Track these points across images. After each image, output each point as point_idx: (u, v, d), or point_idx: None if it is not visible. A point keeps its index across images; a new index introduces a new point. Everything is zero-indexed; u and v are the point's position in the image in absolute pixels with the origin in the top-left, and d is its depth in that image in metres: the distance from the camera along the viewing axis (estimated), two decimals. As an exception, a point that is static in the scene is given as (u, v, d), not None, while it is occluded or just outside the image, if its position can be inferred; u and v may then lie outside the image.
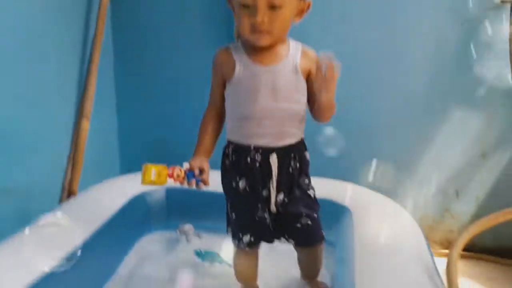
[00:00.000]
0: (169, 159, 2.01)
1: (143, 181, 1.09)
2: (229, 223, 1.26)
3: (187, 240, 1.69)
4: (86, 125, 1.78)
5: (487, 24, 1.71)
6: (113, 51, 2.09)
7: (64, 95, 1.77)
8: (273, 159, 1.15)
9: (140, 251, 1.65)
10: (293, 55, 1.13)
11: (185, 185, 1.12)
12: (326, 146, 1.34)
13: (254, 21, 1.03)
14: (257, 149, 1.15)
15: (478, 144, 1.84)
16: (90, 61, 1.83)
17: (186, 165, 1.13)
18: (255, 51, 1.12)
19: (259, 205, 1.18)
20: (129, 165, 2.19)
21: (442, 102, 1.83)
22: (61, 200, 1.73)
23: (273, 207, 1.20)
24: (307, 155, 1.22)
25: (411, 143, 1.90)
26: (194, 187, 1.12)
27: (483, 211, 1.85)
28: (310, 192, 1.24)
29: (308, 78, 1.14)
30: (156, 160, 2.00)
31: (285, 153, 1.16)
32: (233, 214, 1.22)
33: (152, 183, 1.08)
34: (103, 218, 1.46)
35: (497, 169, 1.84)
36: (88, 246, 1.29)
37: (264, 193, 1.18)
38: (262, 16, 1.02)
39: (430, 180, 1.91)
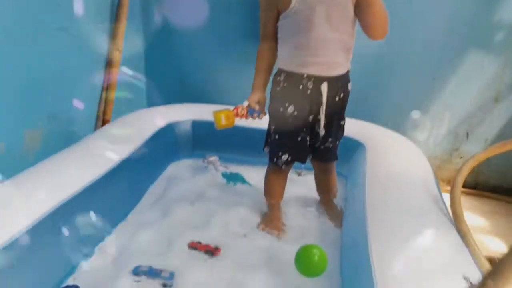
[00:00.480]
0: (193, 95, 2.13)
1: (217, 126, 1.28)
2: (268, 143, 1.41)
3: (216, 169, 1.84)
4: (118, 57, 1.87)
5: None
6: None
7: (98, 29, 1.85)
8: (324, 88, 1.26)
9: (170, 174, 1.82)
10: None
11: (249, 119, 1.31)
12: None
13: None
14: (309, 77, 1.25)
15: (492, 88, 1.89)
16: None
17: (246, 103, 1.31)
18: None
19: (304, 129, 1.32)
20: (155, 99, 2.29)
21: (460, 45, 1.86)
22: (96, 127, 1.87)
23: (322, 131, 1.33)
24: (350, 86, 1.33)
25: (427, 84, 1.96)
26: (256, 119, 1.31)
27: (491, 153, 1.95)
28: (342, 122, 1.38)
29: (357, 2, 1.19)
30: (182, 96, 2.13)
31: (334, 83, 1.27)
32: (276, 136, 1.36)
33: (225, 126, 1.28)
34: (136, 143, 1.59)
35: (508, 113, 1.91)
36: (123, 166, 1.44)
37: (311, 118, 1.31)
38: None
39: (442, 121, 1.99)
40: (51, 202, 1.09)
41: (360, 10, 1.18)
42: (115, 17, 1.91)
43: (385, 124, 1.82)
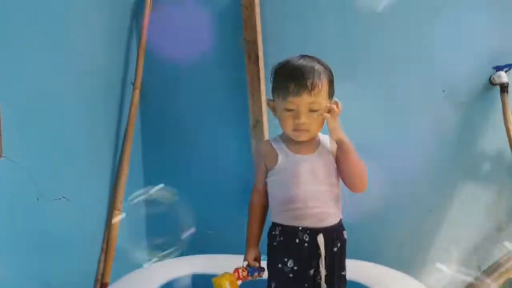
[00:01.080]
0: (195, 246, 2.11)
1: None
2: None
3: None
4: (117, 217, 1.91)
5: (481, 104, 1.85)
6: (141, 149, 2.29)
7: (97, 189, 1.93)
8: (320, 239, 1.25)
9: None
10: (324, 143, 1.31)
11: (249, 279, 1.28)
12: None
13: (297, 122, 1.21)
14: (304, 230, 1.25)
15: (492, 217, 1.87)
16: (121, 156, 2.02)
17: (244, 263, 1.30)
18: (294, 143, 1.28)
19: (306, 284, 1.26)
20: (157, 251, 2.27)
21: (448, 180, 1.90)
22: (94, 292, 1.82)
23: (323, 284, 1.26)
24: (345, 234, 1.32)
25: (425, 223, 1.94)
26: (257, 278, 1.29)
27: (509, 285, 1.84)
28: (343, 272, 1.33)
29: (336, 158, 1.29)
30: (184, 249, 2.10)
31: (330, 233, 1.27)
32: None
33: None
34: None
35: (515, 242, 1.85)
36: None
37: (311, 272, 1.26)
38: (304, 118, 1.21)
39: (450, 258, 1.92)
40: None
41: (338, 163, 1.28)
42: (115, 174, 2.00)
43: (389, 265, 1.76)
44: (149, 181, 2.28)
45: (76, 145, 1.77)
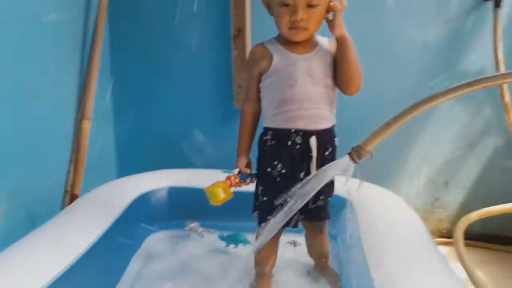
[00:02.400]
0: (164, 160, 2.04)
1: (215, 202, 1.22)
2: (257, 207, 1.33)
3: (200, 236, 1.74)
4: (87, 126, 1.78)
5: (470, 21, 1.83)
6: (110, 52, 2.10)
7: (62, 97, 1.77)
8: (313, 141, 1.22)
9: (147, 249, 1.66)
10: (322, 43, 1.24)
11: (242, 185, 1.28)
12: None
13: (294, 18, 1.13)
14: (297, 132, 1.22)
15: (465, 136, 1.95)
16: (89, 62, 1.84)
17: (236, 170, 1.29)
18: (291, 43, 1.21)
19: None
20: (126, 167, 2.19)
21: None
22: (63, 203, 1.72)
23: None
24: (337, 141, 1.31)
25: (401, 138, 1.95)
26: (249, 183, 1.28)
27: (471, 200, 1.97)
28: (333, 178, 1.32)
29: (334, 59, 1.24)
30: (151, 161, 2.04)
31: (322, 136, 1.24)
32: (265, 198, 1.29)
33: (224, 200, 1.22)
34: (108, 220, 1.45)
35: (483, 159, 1.95)
36: (95, 248, 1.29)
37: (301, 175, 1.25)
38: (302, 14, 1.12)
39: (420, 172, 2.00)
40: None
41: (336, 63, 1.22)
42: (83, 82, 1.84)
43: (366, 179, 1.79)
44: (120, 93, 2.14)
45: (39, 49, 1.58)
